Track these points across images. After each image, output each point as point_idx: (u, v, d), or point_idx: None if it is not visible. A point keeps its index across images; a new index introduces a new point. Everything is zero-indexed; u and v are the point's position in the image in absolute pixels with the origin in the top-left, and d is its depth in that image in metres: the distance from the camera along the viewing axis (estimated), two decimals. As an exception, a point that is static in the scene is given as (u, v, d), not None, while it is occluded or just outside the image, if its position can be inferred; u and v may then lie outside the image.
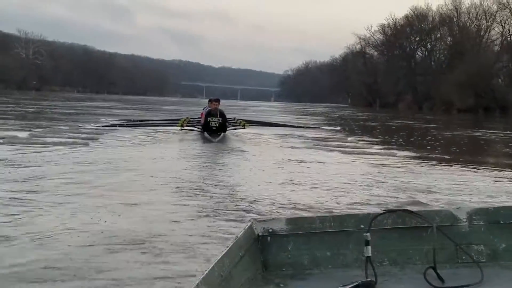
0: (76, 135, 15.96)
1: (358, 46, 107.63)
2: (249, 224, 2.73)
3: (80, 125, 20.04)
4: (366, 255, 2.52)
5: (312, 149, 14.38)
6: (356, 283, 2.35)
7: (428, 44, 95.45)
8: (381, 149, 15.10)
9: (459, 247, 2.68)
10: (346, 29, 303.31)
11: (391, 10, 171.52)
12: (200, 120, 17.83)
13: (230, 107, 56.42)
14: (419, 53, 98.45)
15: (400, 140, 19.86)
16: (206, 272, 2.06)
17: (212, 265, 2.14)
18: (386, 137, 21.70)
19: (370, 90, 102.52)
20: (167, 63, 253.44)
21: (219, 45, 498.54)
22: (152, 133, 17.36)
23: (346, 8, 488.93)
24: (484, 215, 2.76)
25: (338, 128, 25.80)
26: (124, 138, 15.33)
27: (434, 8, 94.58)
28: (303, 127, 23.24)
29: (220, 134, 15.67)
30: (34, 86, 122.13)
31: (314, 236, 2.76)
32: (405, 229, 2.74)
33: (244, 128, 18.82)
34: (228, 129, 17.05)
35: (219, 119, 16.16)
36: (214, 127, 15.99)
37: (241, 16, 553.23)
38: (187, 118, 20.29)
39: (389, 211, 2.80)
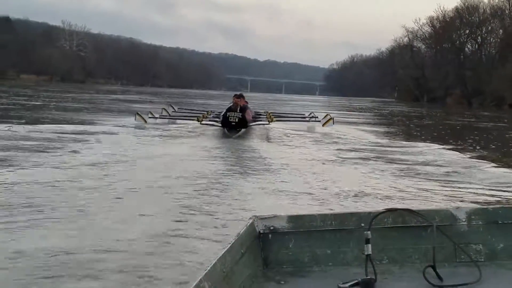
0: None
1: (406, 39, 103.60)
2: (250, 221, 2.72)
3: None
4: (366, 253, 2.50)
5: (363, 163, 11.47)
6: (356, 281, 2.38)
7: (478, 37, 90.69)
8: (465, 157, 12.59)
9: (458, 246, 2.69)
10: (393, 23, 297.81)
11: (439, 2, 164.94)
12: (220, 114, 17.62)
13: (270, 102, 55.21)
14: (468, 46, 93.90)
15: (479, 144, 17.25)
16: (209, 268, 2.09)
17: (214, 261, 2.16)
18: (458, 141, 18.65)
19: (417, 85, 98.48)
20: (213, 56, 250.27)
21: (266, 38, 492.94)
22: (168, 129, 17.16)
23: (394, 1, 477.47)
24: (483, 215, 2.77)
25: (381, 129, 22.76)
26: (135, 134, 15.35)
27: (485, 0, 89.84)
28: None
29: (239, 130, 15.23)
30: (78, 78, 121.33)
31: (315, 233, 2.76)
32: (405, 228, 2.75)
33: (269, 124, 17.66)
34: (254, 123, 16.78)
35: (238, 114, 15.51)
36: (233, 123, 15.41)
37: (290, 10, 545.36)
38: (209, 112, 20.12)
39: (390, 210, 2.78)
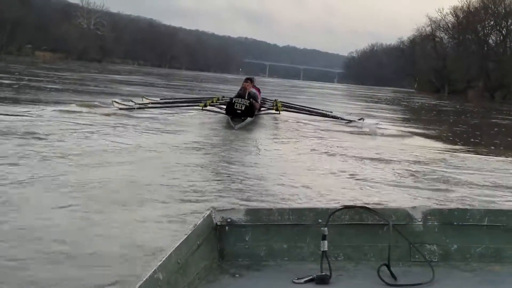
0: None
1: (428, 29, 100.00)
2: (208, 213, 2.69)
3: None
4: (322, 250, 2.50)
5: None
6: (311, 277, 2.39)
7: (503, 29, 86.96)
8: None
9: (413, 245, 2.69)
10: (416, 12, 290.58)
11: None
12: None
13: (286, 89, 52.31)
14: (493, 38, 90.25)
15: None
16: (164, 259, 2.06)
17: (169, 252, 2.14)
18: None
19: (439, 76, 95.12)
20: (233, 40, 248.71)
21: (287, 24, 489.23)
22: (168, 115, 15.07)
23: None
24: (439, 216, 2.77)
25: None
26: (132, 121, 13.12)
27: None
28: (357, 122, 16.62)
29: (244, 119, 13.53)
30: (95, 57, 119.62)
31: (272, 228, 2.73)
32: (362, 225, 2.74)
33: (278, 113, 16.26)
34: (261, 112, 15.82)
35: (245, 102, 13.92)
36: (239, 110, 13.77)
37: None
38: (221, 97, 18.12)
39: (347, 207, 2.77)
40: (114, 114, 14.15)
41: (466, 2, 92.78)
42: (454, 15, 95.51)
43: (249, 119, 13.80)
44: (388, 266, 2.47)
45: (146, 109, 16.07)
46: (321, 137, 13.05)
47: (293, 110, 17.58)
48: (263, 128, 14.10)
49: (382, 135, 14.36)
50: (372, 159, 9.87)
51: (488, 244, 2.75)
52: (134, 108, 15.71)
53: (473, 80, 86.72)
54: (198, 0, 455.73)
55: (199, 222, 2.53)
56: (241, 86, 15.26)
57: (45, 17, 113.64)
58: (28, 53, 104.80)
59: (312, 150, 10.81)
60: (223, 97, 18.09)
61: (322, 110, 18.93)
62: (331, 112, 18.66)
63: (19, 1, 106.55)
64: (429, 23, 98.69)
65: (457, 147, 13.74)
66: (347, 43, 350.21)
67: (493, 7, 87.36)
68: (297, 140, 12.46)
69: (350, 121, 16.67)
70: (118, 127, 11.80)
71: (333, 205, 2.98)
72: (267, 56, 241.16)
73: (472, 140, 16.21)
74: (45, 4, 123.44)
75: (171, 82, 45.22)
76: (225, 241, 2.71)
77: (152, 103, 17.81)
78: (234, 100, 14.11)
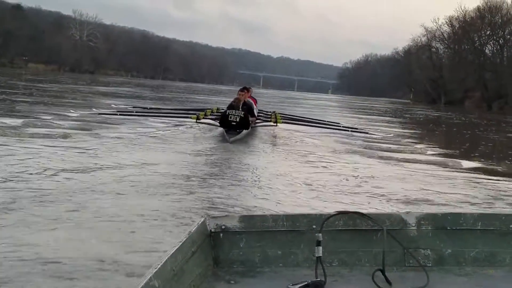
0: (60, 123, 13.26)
1: (424, 39, 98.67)
2: (202, 220, 2.69)
3: (70, 113, 16.42)
4: (317, 255, 2.51)
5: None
6: (306, 283, 2.37)
7: (500, 39, 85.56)
8: None
9: (407, 250, 2.70)
10: (411, 23, 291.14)
11: (460, 2, 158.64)
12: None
13: (281, 100, 50.48)
14: (489, 47, 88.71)
15: None
16: (159, 266, 2.06)
17: (164, 260, 2.13)
18: None
19: (435, 86, 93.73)
20: (226, 51, 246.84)
21: (281, 35, 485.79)
22: (159, 127, 14.47)
23: (413, 0, 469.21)
24: (432, 220, 2.78)
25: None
26: (114, 132, 12.52)
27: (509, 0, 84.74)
28: (362, 131, 17.04)
29: (239, 132, 12.87)
30: (88, 69, 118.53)
31: (267, 234, 2.73)
32: (356, 231, 2.74)
33: (276, 125, 15.20)
34: (258, 124, 15.00)
35: (240, 113, 13.20)
36: (233, 122, 13.06)
37: (305, 6, 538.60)
38: (215, 109, 17.10)
39: (341, 213, 2.78)
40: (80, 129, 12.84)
41: (462, 12, 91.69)
42: (450, 25, 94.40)
43: (244, 131, 13.16)
44: (382, 271, 2.46)
45: (130, 117, 15.45)
46: (324, 155, 11.69)
47: (293, 122, 16.81)
48: (259, 141, 13.31)
49: (428, 162, 11.60)
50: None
51: (482, 248, 2.75)
52: (115, 114, 15.20)
53: (470, 90, 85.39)
54: (192, 12, 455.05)
55: (193, 229, 2.52)
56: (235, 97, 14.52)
57: (38, 29, 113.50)
58: (21, 65, 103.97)
59: (315, 171, 9.37)
60: (218, 109, 17.23)
61: (322, 121, 18.39)
62: (337, 123, 18.01)
63: (11, 14, 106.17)
64: (425, 33, 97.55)
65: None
66: (342, 54, 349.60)
67: (489, 16, 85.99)
68: (295, 154, 11.37)
69: (353, 130, 16.65)
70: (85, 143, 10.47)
71: (327, 211, 2.87)
72: (261, 67, 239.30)
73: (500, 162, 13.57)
74: (38, 16, 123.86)
75: (161, 94, 43.23)
76: (220, 248, 2.69)
77: (137, 112, 17.08)
78: (227, 112, 13.42)
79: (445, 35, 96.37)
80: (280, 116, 16.36)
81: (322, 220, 2.65)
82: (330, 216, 2.70)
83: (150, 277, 1.95)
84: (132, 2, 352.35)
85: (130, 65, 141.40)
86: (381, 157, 11.64)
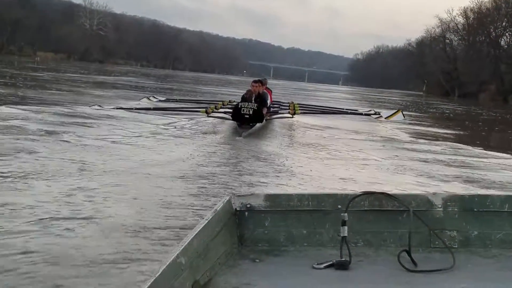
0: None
1: (438, 30, 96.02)
2: (227, 198, 2.69)
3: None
4: (342, 235, 2.51)
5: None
6: (331, 262, 2.39)
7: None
8: None
9: (433, 232, 2.68)
10: (423, 15, 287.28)
11: None
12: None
13: (293, 92, 48.13)
14: (505, 39, 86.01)
15: None
16: (185, 244, 2.08)
17: (191, 238, 2.15)
18: None
19: (449, 79, 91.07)
20: (237, 41, 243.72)
21: (292, 26, 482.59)
22: (167, 122, 13.02)
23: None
24: (459, 202, 2.76)
25: None
26: (128, 127, 11.44)
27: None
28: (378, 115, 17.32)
29: (252, 125, 12.09)
30: (97, 58, 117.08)
31: (292, 213, 2.73)
32: (382, 211, 2.73)
33: (292, 117, 14.78)
34: (273, 116, 14.47)
35: (253, 105, 12.44)
36: (246, 115, 12.27)
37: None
38: (227, 101, 16.76)
39: (367, 193, 2.77)
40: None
41: (477, 3, 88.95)
42: (464, 16, 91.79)
43: (258, 124, 12.38)
44: (408, 252, 2.46)
45: (130, 113, 14.27)
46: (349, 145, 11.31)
47: (311, 112, 16.57)
48: (274, 135, 12.27)
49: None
50: None
51: (508, 231, 2.71)
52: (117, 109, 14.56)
53: (485, 83, 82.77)
54: (202, 1, 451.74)
55: (219, 208, 2.52)
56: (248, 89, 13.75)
57: (47, 18, 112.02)
58: (29, 54, 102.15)
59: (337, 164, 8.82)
60: (230, 101, 16.82)
61: (341, 109, 18.21)
62: (355, 109, 18.34)
63: (20, 2, 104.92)
64: (439, 24, 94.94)
65: None
66: (352, 45, 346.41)
67: (506, 7, 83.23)
68: (315, 149, 10.47)
69: (369, 114, 16.91)
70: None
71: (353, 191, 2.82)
72: (272, 58, 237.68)
73: None
74: (47, 4, 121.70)
75: (166, 85, 40.38)
76: (245, 226, 2.69)
77: (138, 108, 15.45)
78: (240, 104, 12.59)
79: (459, 26, 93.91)
80: (298, 106, 15.81)
81: (348, 200, 2.64)
82: (356, 196, 2.69)
83: (177, 254, 1.97)
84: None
85: (140, 54, 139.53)
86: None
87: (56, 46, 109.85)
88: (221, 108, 15.34)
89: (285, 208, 2.71)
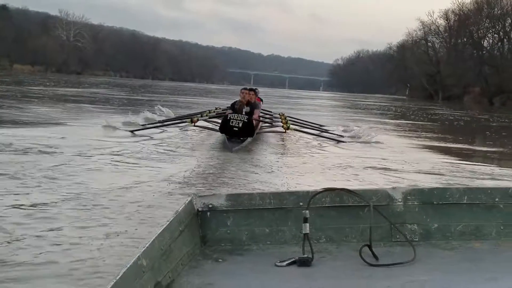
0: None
1: (420, 33, 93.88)
2: (189, 199, 2.67)
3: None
4: (303, 232, 2.51)
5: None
6: (293, 259, 2.39)
7: (500, 31, 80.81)
8: None
9: (394, 226, 2.70)
10: (404, 19, 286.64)
11: None
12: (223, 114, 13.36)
13: (276, 101, 44.47)
14: (488, 40, 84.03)
15: None
16: (147, 245, 2.05)
17: (152, 239, 2.12)
18: None
19: (432, 82, 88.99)
20: (216, 50, 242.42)
21: (272, 33, 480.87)
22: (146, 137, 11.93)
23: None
24: (419, 196, 2.78)
25: None
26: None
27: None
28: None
29: (243, 140, 10.91)
30: (75, 70, 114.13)
31: (254, 212, 2.73)
32: (343, 207, 2.75)
33: (285, 132, 13.08)
34: (264, 130, 13.21)
35: (243, 117, 11.14)
36: (235, 128, 11.01)
37: (298, 5, 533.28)
38: (213, 110, 15.84)
39: (328, 190, 2.76)
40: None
41: (459, 4, 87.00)
42: (445, 18, 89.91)
43: (249, 139, 11.25)
44: (369, 247, 2.46)
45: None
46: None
47: (304, 128, 14.60)
48: (266, 151, 10.94)
49: None
50: None
51: (468, 222, 2.76)
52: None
53: (469, 86, 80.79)
54: (182, 11, 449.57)
55: (180, 209, 2.50)
56: (239, 98, 12.31)
57: (24, 30, 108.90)
58: (6, 67, 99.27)
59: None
60: (216, 108, 15.91)
61: (336, 131, 15.36)
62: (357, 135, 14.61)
63: None
64: (421, 27, 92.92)
65: None
66: (333, 51, 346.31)
67: (487, 8, 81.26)
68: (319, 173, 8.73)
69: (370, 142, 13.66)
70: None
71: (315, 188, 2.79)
72: (252, 65, 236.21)
73: None
74: (25, 17, 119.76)
75: (135, 96, 36.49)
76: (207, 226, 2.68)
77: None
78: (229, 116, 11.45)
79: (440, 28, 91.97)
80: (289, 119, 14.21)
81: (309, 197, 2.63)
82: (316, 193, 2.68)
83: (138, 256, 1.93)
84: (120, 2, 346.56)
85: (119, 65, 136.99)
86: None
87: (33, 59, 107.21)
88: (207, 116, 14.14)
89: (247, 207, 2.69)
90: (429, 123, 26.84)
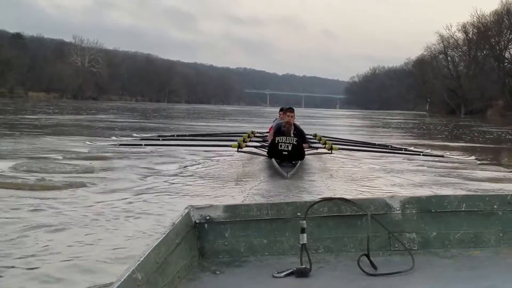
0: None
1: (440, 47, 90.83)
2: (186, 211, 2.62)
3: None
4: (301, 243, 2.46)
5: None
6: (291, 270, 2.35)
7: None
8: None
9: (392, 235, 2.67)
10: (416, 35, 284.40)
11: (475, 6, 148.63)
12: (266, 137, 13.38)
13: (299, 119, 41.35)
14: (510, 52, 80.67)
15: None
16: (142, 258, 2.00)
17: (148, 252, 2.07)
18: None
19: (453, 96, 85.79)
20: (231, 71, 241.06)
21: (285, 52, 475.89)
22: (194, 159, 11.71)
23: (417, 13, 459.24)
24: (416, 204, 2.75)
25: None
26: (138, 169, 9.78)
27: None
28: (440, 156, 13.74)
29: (295, 163, 10.05)
30: (91, 95, 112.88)
31: (251, 223, 2.69)
32: (341, 217, 2.71)
33: (331, 153, 11.56)
34: (308, 151, 11.35)
35: (292, 140, 10.28)
36: (285, 152, 10.20)
37: (310, 22, 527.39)
38: (252, 132, 14.52)
39: (325, 199, 2.73)
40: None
41: (478, 17, 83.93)
42: (464, 31, 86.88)
43: (299, 162, 10.28)
44: (368, 256, 2.41)
45: (156, 146, 13.28)
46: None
47: (347, 147, 13.41)
48: (320, 175, 9.95)
49: None
50: None
51: (466, 230, 2.73)
52: (140, 145, 13.22)
53: (492, 99, 77.53)
54: (195, 33, 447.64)
55: (177, 221, 2.46)
56: (281, 118, 12.12)
57: (39, 57, 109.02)
58: (21, 94, 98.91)
59: None
60: (252, 132, 14.84)
61: (383, 145, 15.28)
62: (402, 147, 14.85)
63: (10, 43, 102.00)
64: (440, 40, 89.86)
65: None
66: (347, 69, 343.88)
67: (508, 18, 78.11)
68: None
69: (425, 154, 13.64)
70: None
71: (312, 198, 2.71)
72: (267, 85, 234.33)
73: None
74: (40, 44, 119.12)
75: (146, 123, 31.52)
76: (205, 238, 2.65)
77: (163, 139, 14.74)
78: (277, 139, 10.43)
79: (459, 42, 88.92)
80: (330, 141, 12.94)
81: (307, 207, 2.60)
82: (314, 203, 2.65)
83: (133, 269, 1.88)
84: (134, 26, 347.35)
85: (134, 89, 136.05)
86: None
87: (48, 85, 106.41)
88: (249, 140, 13.20)
89: (245, 218, 2.66)
90: (495, 145, 23.25)
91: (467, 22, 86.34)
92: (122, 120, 33.68)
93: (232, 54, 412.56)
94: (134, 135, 17.77)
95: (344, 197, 2.74)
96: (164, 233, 2.26)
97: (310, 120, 47.85)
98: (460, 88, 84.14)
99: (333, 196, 2.81)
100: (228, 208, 2.68)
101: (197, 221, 2.63)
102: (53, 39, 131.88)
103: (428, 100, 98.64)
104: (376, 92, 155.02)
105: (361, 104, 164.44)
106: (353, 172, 10.67)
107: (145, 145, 13.19)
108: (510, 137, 29.31)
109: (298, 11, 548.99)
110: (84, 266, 4.26)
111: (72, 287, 3.88)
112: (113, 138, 16.46)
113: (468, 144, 21.20)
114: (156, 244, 2.13)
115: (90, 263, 4.33)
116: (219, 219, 2.65)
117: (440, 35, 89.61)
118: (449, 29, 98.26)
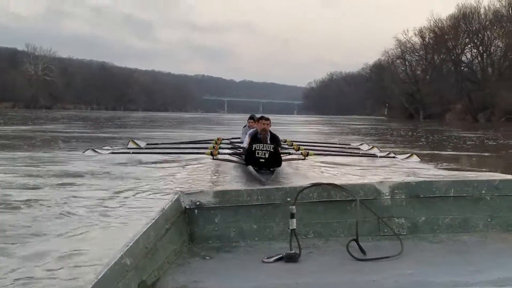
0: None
1: (397, 51, 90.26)
2: (176, 196, 2.63)
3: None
4: (290, 228, 2.47)
5: None
6: (280, 255, 2.35)
7: (480, 46, 77.33)
8: None
9: (381, 220, 2.67)
10: (375, 39, 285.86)
11: (432, 10, 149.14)
12: (236, 143, 13.43)
13: None
14: (467, 56, 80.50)
15: None
16: (131, 244, 1.99)
17: (137, 237, 2.05)
18: None
19: (412, 100, 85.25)
20: (189, 78, 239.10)
21: (243, 59, 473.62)
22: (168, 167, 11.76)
23: (374, 18, 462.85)
24: (405, 189, 2.75)
25: None
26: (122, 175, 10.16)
27: (485, 4, 76.79)
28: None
29: (272, 170, 10.09)
30: (45, 104, 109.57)
31: (241, 209, 2.70)
32: (330, 202, 2.71)
33: (304, 159, 11.18)
34: (283, 157, 11.09)
35: (269, 147, 10.24)
36: (262, 159, 10.06)
37: (268, 29, 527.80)
38: (218, 139, 14.09)
39: (315, 185, 2.73)
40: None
41: (434, 21, 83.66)
42: (420, 35, 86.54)
43: (277, 169, 10.15)
44: (357, 241, 2.42)
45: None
46: None
47: (321, 152, 12.93)
48: (298, 178, 10.04)
49: None
50: None
51: (455, 215, 2.75)
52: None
53: (450, 103, 77.16)
54: (153, 41, 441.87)
55: (167, 206, 2.46)
56: (255, 126, 11.75)
57: None
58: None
59: None
60: (218, 138, 14.30)
61: (349, 147, 15.16)
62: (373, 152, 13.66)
63: None
64: (397, 45, 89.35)
65: None
66: (306, 75, 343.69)
67: (465, 23, 77.92)
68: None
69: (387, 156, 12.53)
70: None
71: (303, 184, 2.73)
72: (225, 92, 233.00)
73: None
74: None
75: (93, 134, 27.79)
76: (195, 224, 2.64)
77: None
78: (254, 146, 10.18)
79: (416, 46, 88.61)
80: (298, 145, 13.02)
81: (296, 192, 2.60)
82: (304, 188, 2.65)
83: (122, 254, 1.87)
84: (91, 35, 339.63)
85: (90, 97, 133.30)
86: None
87: (1, 95, 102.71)
88: (218, 148, 12.52)
89: (235, 203, 2.66)
90: (470, 152, 21.97)
91: (424, 26, 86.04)
92: (70, 130, 30.95)
93: (191, 62, 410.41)
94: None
95: (334, 183, 2.71)
96: (154, 219, 2.23)
97: (275, 127, 45.88)
98: (418, 92, 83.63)
99: (322, 182, 2.69)
100: (218, 194, 2.67)
101: (187, 207, 2.61)
102: (7, 48, 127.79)
103: (387, 104, 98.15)
104: (333, 97, 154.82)
105: (318, 109, 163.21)
106: (329, 175, 11.02)
107: (112, 153, 11.85)
108: (472, 139, 28.09)
109: (255, 18, 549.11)
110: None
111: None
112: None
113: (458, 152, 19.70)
114: (145, 229, 2.10)
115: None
116: (209, 205, 2.64)
117: (397, 40, 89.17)
118: (406, 34, 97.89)
